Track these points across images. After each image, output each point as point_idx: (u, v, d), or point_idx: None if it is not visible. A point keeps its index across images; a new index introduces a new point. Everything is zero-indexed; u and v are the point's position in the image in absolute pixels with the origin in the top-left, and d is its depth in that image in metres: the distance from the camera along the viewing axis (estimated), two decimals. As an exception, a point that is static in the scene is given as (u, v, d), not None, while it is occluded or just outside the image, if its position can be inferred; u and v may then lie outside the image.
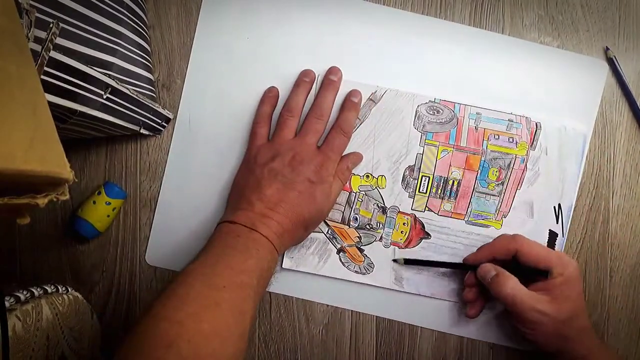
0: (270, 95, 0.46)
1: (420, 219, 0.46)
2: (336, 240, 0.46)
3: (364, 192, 0.46)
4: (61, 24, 0.29)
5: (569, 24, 0.47)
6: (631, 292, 0.47)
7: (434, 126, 0.45)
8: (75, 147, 0.46)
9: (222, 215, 0.42)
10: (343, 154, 0.45)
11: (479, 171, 0.46)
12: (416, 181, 0.46)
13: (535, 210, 0.46)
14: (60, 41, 0.32)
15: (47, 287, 0.41)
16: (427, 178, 0.46)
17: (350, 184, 0.46)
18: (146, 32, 0.45)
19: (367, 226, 0.46)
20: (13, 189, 0.21)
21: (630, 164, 0.47)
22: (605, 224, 0.47)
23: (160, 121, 0.45)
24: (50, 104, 0.26)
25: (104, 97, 0.35)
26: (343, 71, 0.46)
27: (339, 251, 0.46)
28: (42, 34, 0.28)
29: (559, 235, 0.46)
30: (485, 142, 0.45)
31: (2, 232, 0.47)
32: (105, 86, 0.35)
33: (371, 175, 0.46)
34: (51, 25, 0.28)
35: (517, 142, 0.46)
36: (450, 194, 0.46)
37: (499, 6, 0.47)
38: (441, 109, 0.45)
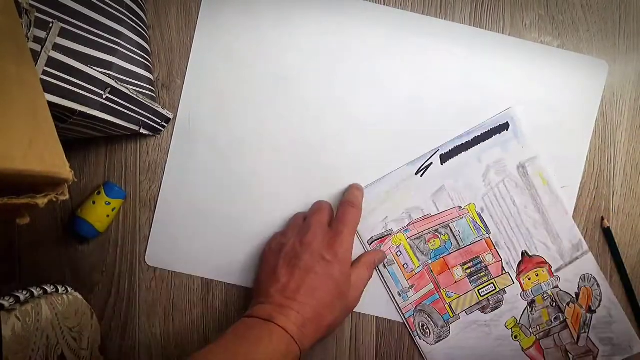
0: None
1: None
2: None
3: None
4: (61, 24, 0.29)
5: (569, 24, 0.47)
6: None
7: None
8: (75, 147, 0.46)
9: None
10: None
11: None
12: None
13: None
14: (60, 41, 0.32)
15: (46, 287, 0.41)
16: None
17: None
18: (146, 32, 0.45)
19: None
20: (13, 189, 0.21)
21: (631, 164, 0.47)
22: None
23: (160, 121, 0.45)
24: (50, 103, 0.26)
25: (104, 97, 0.35)
26: (342, 72, 0.46)
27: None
28: (42, 34, 0.28)
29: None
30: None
31: (2, 232, 0.47)
32: (105, 86, 0.34)
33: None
34: (51, 25, 0.28)
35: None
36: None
37: (499, 6, 0.47)
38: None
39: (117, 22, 0.39)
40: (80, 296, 0.44)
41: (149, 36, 0.46)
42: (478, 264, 0.46)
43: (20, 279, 0.47)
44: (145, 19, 0.45)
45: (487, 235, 0.46)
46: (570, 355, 0.46)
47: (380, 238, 0.46)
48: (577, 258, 0.46)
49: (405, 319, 0.46)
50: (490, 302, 0.46)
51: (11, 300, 0.36)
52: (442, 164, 0.46)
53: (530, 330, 0.46)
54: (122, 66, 0.40)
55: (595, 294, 0.46)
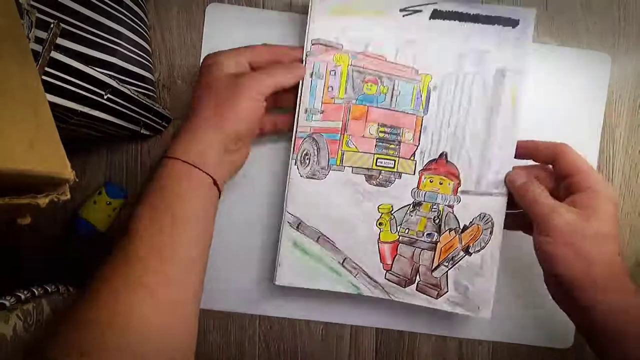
0: None
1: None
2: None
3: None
4: (62, 24, 0.29)
5: (569, 24, 0.47)
6: (631, 292, 0.47)
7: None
8: (76, 147, 0.46)
9: None
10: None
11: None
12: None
13: None
14: (60, 41, 0.32)
15: (47, 287, 0.41)
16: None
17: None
18: (146, 32, 0.45)
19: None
20: (14, 188, 0.21)
21: (629, 164, 0.47)
22: (605, 224, 0.47)
23: (160, 121, 0.45)
24: (51, 104, 0.26)
25: (105, 97, 0.35)
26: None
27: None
28: (43, 35, 0.28)
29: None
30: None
31: (3, 232, 0.47)
32: (105, 87, 0.35)
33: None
34: (52, 26, 0.28)
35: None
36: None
37: (499, 6, 0.47)
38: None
39: (117, 22, 0.39)
40: (81, 295, 0.44)
41: (149, 36, 0.46)
42: (395, 134, 0.41)
43: (21, 278, 0.47)
44: (146, 19, 0.45)
45: (422, 115, 0.41)
46: (418, 276, 0.42)
47: (326, 46, 0.41)
48: (490, 194, 0.40)
49: (295, 138, 0.41)
50: (380, 177, 0.41)
51: (12, 300, 0.36)
52: (429, 19, 0.40)
53: (398, 228, 0.42)
54: (122, 66, 0.40)
55: (483, 238, 0.41)
